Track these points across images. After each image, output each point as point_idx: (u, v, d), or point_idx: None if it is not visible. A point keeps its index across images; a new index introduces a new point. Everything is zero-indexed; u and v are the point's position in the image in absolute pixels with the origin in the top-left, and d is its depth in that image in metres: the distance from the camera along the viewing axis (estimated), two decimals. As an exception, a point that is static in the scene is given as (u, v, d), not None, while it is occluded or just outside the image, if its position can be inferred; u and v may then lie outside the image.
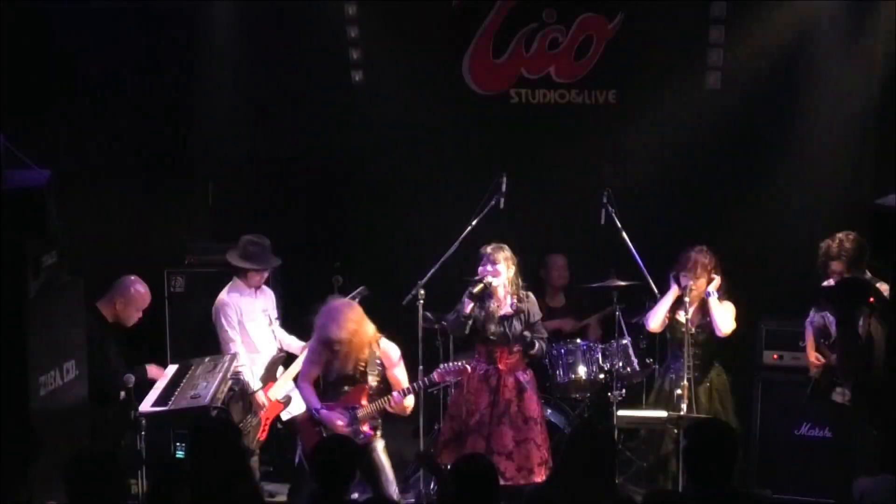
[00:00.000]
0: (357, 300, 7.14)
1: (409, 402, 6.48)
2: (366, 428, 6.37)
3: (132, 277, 6.89)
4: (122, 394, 6.38)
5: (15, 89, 6.92)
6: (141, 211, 8.16)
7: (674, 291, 6.82)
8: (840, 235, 6.34)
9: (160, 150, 8.36)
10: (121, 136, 8.08)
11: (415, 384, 6.51)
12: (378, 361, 6.45)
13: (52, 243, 5.27)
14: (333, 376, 6.49)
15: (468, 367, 6.64)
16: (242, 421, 7.10)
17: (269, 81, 8.56)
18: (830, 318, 6.53)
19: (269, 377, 7.20)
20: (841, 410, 6.48)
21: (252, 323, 7.27)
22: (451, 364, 6.63)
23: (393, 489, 6.43)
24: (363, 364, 6.43)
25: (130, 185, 8.12)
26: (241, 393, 7.18)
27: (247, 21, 8.40)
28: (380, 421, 6.52)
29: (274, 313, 7.50)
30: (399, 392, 6.42)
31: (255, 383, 7.13)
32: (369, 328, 6.43)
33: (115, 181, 8.02)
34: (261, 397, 7.12)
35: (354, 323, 6.35)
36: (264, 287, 7.45)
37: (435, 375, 6.57)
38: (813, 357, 6.60)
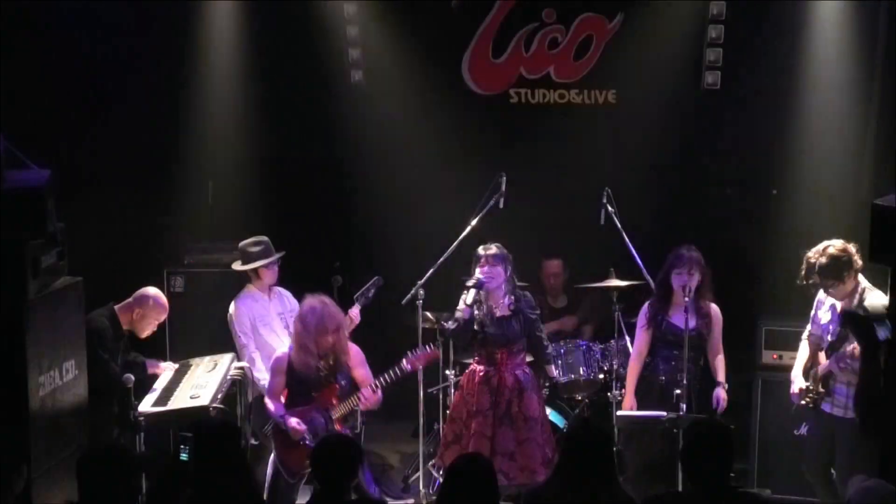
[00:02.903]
0: (372, 291, 7.15)
1: (379, 395, 6.49)
2: (339, 428, 6.35)
3: (153, 290, 6.94)
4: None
5: (15, 89, 6.92)
6: (141, 211, 8.16)
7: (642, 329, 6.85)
8: (820, 247, 6.28)
9: (160, 150, 8.36)
10: (120, 136, 8.09)
11: (385, 376, 6.50)
12: (346, 361, 6.46)
13: (52, 243, 5.27)
14: (300, 383, 6.46)
15: (437, 351, 6.68)
16: (265, 424, 7.08)
17: (268, 81, 8.56)
18: (822, 326, 6.52)
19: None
20: (828, 419, 6.48)
21: (267, 328, 7.25)
22: (417, 351, 6.63)
23: (373, 488, 6.45)
24: (332, 364, 6.43)
25: (130, 185, 8.12)
26: (260, 398, 7.15)
27: (247, 21, 8.40)
28: (359, 420, 6.50)
29: (292, 314, 7.46)
30: (369, 387, 6.43)
31: None
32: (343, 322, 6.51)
33: (114, 181, 8.03)
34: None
35: (339, 314, 6.42)
36: (280, 290, 7.42)
37: (406, 364, 6.56)
38: (799, 382, 6.57)
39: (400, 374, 6.58)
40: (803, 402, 6.49)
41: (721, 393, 6.71)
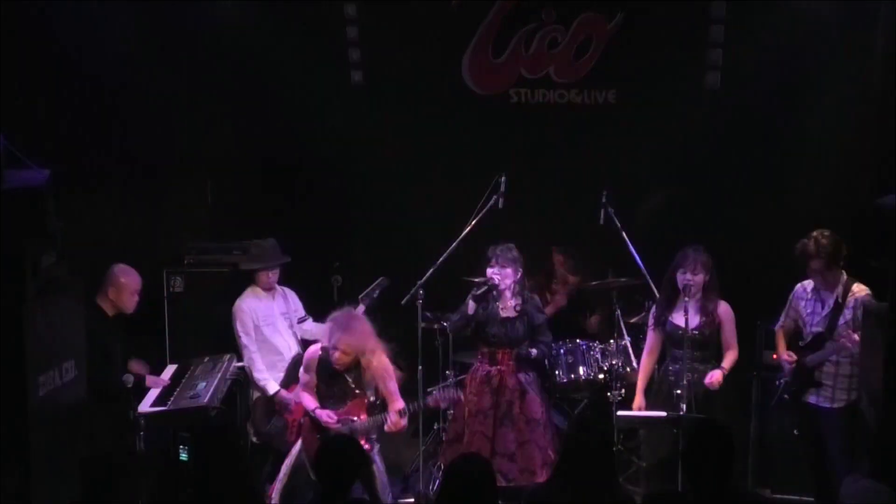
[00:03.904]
0: (377, 292, 7.14)
1: (405, 421, 6.45)
2: (363, 442, 6.27)
3: (118, 265, 6.84)
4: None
5: (15, 88, 6.91)
6: (140, 211, 8.16)
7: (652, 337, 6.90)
8: (815, 234, 6.36)
9: (160, 150, 8.36)
10: (120, 136, 8.08)
11: (410, 406, 6.46)
12: (374, 375, 6.40)
13: (52, 243, 5.27)
14: (328, 387, 6.44)
15: (462, 397, 6.67)
16: (268, 424, 7.07)
17: (269, 82, 8.56)
18: (805, 319, 6.56)
19: (291, 378, 7.13)
20: (814, 410, 6.50)
21: (270, 327, 7.24)
22: (445, 391, 6.64)
23: (387, 494, 6.45)
24: (361, 377, 6.39)
25: (130, 185, 8.12)
26: (262, 398, 7.15)
27: (247, 21, 8.40)
28: (375, 435, 6.48)
29: (297, 315, 7.47)
30: (396, 412, 6.35)
31: (272, 386, 7.09)
32: (372, 342, 6.39)
33: (114, 181, 8.02)
34: (284, 398, 7.09)
35: (363, 335, 6.34)
36: (284, 290, 7.42)
37: (430, 401, 6.56)
38: (786, 356, 6.61)
39: (422, 408, 6.58)
40: (788, 374, 6.56)
41: (717, 373, 6.66)
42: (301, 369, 6.62)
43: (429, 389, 6.64)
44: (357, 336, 6.31)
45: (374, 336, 6.39)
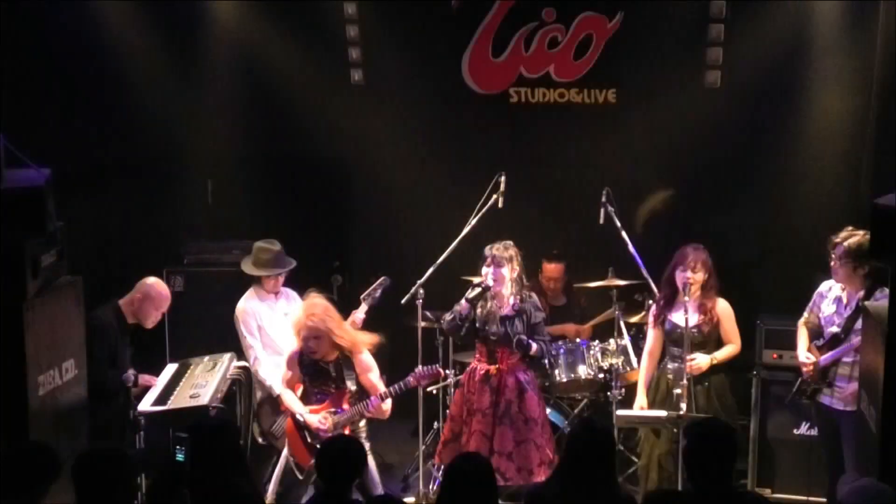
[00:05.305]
0: (379, 292, 7.15)
1: (387, 405, 6.48)
2: (347, 432, 6.36)
3: (153, 278, 6.90)
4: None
5: (14, 88, 6.91)
6: (141, 210, 8.17)
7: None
8: (848, 229, 6.30)
9: (159, 149, 8.36)
10: (120, 135, 8.09)
11: (392, 388, 6.48)
12: (353, 366, 6.48)
13: (52, 243, 5.27)
14: (312, 382, 6.52)
15: (442, 371, 6.69)
16: (273, 424, 7.08)
17: (268, 81, 8.57)
18: (824, 318, 6.53)
19: (296, 379, 7.13)
20: (828, 412, 6.47)
21: (274, 328, 7.23)
22: (425, 368, 6.63)
23: (378, 489, 6.47)
24: (339, 366, 6.45)
25: (129, 185, 8.13)
26: (268, 398, 7.15)
27: (246, 20, 8.41)
28: (363, 424, 6.53)
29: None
30: (377, 396, 6.43)
31: (277, 386, 7.10)
32: (330, 319, 6.44)
33: (114, 180, 8.03)
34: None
35: (319, 315, 6.39)
36: (287, 291, 7.42)
37: (411, 379, 6.55)
38: (804, 357, 6.57)
39: (405, 388, 6.56)
40: (807, 377, 6.49)
41: (702, 358, 6.65)
42: (284, 368, 6.67)
43: (416, 369, 6.63)
44: (314, 317, 6.36)
45: (329, 312, 6.43)
